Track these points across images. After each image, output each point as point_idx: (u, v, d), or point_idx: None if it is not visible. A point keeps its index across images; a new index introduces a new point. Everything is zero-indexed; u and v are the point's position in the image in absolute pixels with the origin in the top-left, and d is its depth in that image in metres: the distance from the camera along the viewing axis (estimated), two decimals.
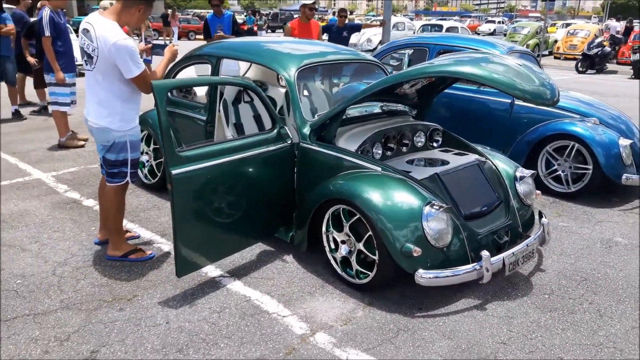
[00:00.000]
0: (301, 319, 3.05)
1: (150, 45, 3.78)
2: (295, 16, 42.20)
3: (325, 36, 9.53)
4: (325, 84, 4.56)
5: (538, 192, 3.96)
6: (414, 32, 21.94)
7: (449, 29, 19.77)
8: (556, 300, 3.31)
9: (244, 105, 4.55)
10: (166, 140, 2.96)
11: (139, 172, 5.11)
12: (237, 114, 4.51)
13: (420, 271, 3.04)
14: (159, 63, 3.59)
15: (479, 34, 38.33)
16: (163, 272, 3.53)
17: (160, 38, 11.46)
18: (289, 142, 3.65)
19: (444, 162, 3.75)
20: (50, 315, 3.03)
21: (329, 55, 4.35)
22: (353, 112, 4.07)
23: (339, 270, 3.45)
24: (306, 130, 3.71)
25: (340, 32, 9.31)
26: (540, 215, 3.78)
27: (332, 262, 3.49)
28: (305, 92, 4.48)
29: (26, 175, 5.53)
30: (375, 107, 4.29)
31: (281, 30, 41.92)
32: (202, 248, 3.25)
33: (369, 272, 3.26)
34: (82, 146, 6.69)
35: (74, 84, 6.59)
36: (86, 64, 3.39)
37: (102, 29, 3.23)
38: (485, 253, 3.11)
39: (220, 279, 3.47)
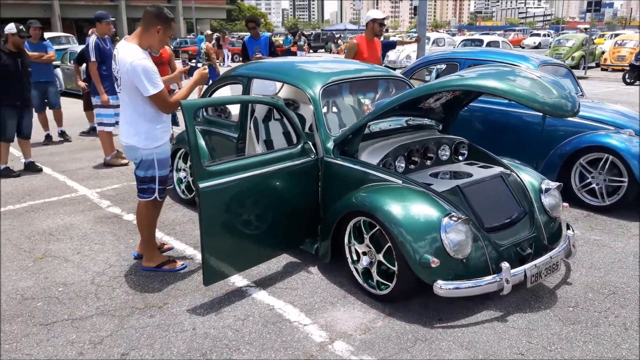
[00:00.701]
0: (321, 327, 3.14)
1: (188, 67, 4.00)
2: (336, 35, 42.32)
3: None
4: (353, 100, 4.67)
5: (565, 204, 3.94)
6: (454, 48, 21.84)
7: (489, 44, 19.58)
8: (580, 313, 3.27)
9: (274, 122, 4.72)
10: (194, 155, 3.14)
11: (177, 187, 5.37)
12: (267, 131, 4.67)
13: (440, 282, 3.07)
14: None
15: (523, 47, 37.75)
16: (193, 282, 3.69)
17: (214, 61, 11.88)
18: (313, 156, 3.78)
19: (468, 175, 3.78)
20: (86, 320, 3.23)
21: (356, 73, 4.47)
22: (378, 126, 4.16)
23: (360, 281, 3.52)
24: (329, 144, 3.83)
25: None
26: (568, 227, 3.75)
27: (354, 273, 3.57)
28: (334, 109, 4.61)
29: (73, 192, 5.87)
30: (401, 122, 4.37)
31: (322, 50, 42.67)
32: (228, 258, 3.39)
33: (389, 283, 3.32)
34: (126, 164, 7.02)
35: (118, 106, 6.94)
36: (117, 87, 3.65)
37: (123, 52, 3.48)
38: (505, 264, 3.12)
39: (246, 289, 3.60)
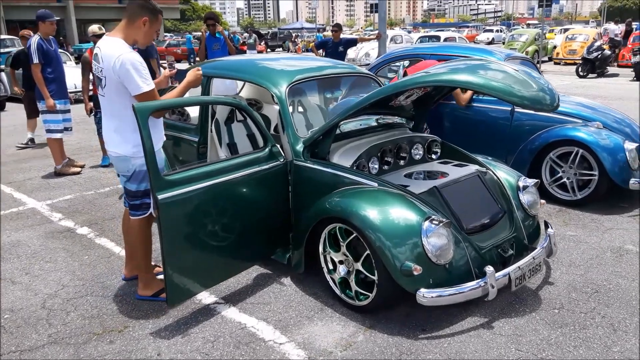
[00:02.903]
0: (299, 345, 2.91)
1: (174, 70, 3.67)
2: (294, 34, 42.13)
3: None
4: (320, 99, 4.46)
5: (543, 201, 3.83)
6: (412, 44, 21.93)
7: (446, 40, 19.73)
8: (566, 315, 3.15)
9: (237, 124, 4.46)
10: (150, 163, 2.85)
11: None
12: (230, 134, 4.41)
13: (422, 290, 2.89)
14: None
15: (477, 43, 38.40)
16: (156, 302, 3.39)
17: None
18: (282, 160, 3.54)
19: (443, 175, 3.63)
20: (37, 351, 2.90)
21: (322, 70, 4.25)
22: (348, 126, 3.96)
23: (338, 291, 3.31)
24: (299, 147, 3.60)
25: (336, 47, 9.28)
26: (547, 225, 3.64)
27: (331, 283, 3.35)
28: (300, 108, 4.39)
29: (20, 205, 5.44)
30: (371, 121, 4.18)
31: (280, 49, 42.25)
32: (194, 275, 3.12)
33: (369, 294, 3.12)
34: (79, 173, 6.60)
35: (67, 111, 6.54)
36: (99, 89, 3.22)
37: (107, 47, 3.08)
38: (489, 269, 2.97)
39: (214, 306, 3.33)
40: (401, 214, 3.04)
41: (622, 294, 3.39)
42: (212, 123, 4.27)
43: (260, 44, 36.18)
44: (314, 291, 3.47)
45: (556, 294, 3.40)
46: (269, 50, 39.09)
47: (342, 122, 3.87)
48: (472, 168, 3.73)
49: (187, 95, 4.56)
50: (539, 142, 5.18)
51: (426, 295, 2.89)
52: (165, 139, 3.43)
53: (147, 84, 3.03)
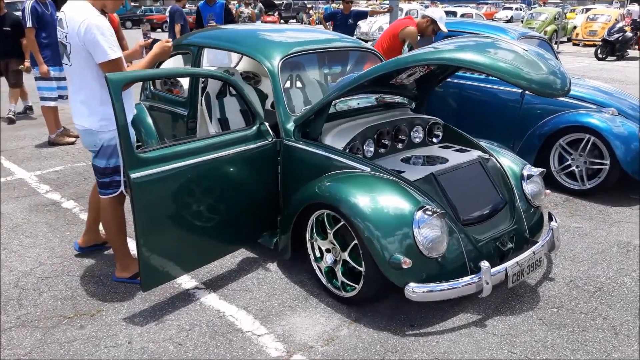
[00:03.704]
0: (278, 338, 2.74)
1: (150, 40, 3.43)
2: (308, 5, 40.94)
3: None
4: (319, 75, 4.21)
5: (548, 191, 3.59)
6: None
7: (463, 16, 19.16)
8: (565, 315, 2.95)
9: (229, 98, 4.24)
10: (123, 139, 2.65)
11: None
12: (222, 108, 4.19)
13: (412, 285, 2.70)
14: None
15: (495, 20, 37.46)
16: (134, 284, 3.23)
17: None
18: (270, 139, 3.33)
19: (443, 160, 3.40)
20: (3, 334, 2.76)
21: (322, 43, 4.00)
22: (344, 105, 3.73)
23: (324, 281, 3.13)
24: (289, 126, 3.39)
25: (345, 19, 8.95)
26: (550, 217, 3.42)
27: (317, 272, 3.17)
28: (298, 84, 4.16)
29: (9, 175, 5.29)
30: (370, 99, 3.94)
31: (294, 21, 41.44)
32: (169, 258, 2.94)
33: (355, 285, 2.94)
34: (73, 143, 6.43)
35: (62, 78, 6.32)
36: (64, 58, 3.00)
37: (72, 10, 2.87)
38: (484, 264, 2.76)
39: (194, 291, 3.17)
40: (393, 203, 2.83)
41: (626, 293, 3.18)
42: (202, 96, 4.05)
43: (273, 15, 35.56)
44: (300, 279, 3.30)
45: (556, 291, 3.20)
46: (282, 21, 38.42)
47: (338, 101, 3.66)
48: (474, 154, 3.50)
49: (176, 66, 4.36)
50: (548, 127, 4.91)
51: (415, 290, 2.70)
52: (135, 112, 3.21)
53: (114, 51, 2.82)
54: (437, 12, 5.65)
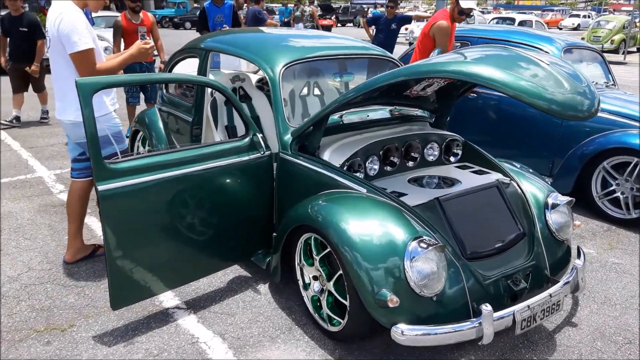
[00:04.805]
0: None
1: (149, 42, 3.31)
2: (366, 8, 40.47)
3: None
4: (327, 84, 3.93)
5: (578, 222, 3.14)
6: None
7: (521, 23, 18.31)
8: None
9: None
10: (92, 148, 2.48)
11: None
12: (230, 115, 3.99)
13: (400, 326, 2.37)
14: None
15: (561, 29, 35.81)
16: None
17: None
18: (262, 152, 3.08)
19: (454, 183, 3.05)
20: None
21: (332, 50, 3.72)
22: (352, 117, 3.44)
23: (311, 310, 2.85)
24: (287, 138, 3.13)
25: (389, 24, 8.63)
26: (579, 253, 3.00)
27: (306, 299, 2.90)
28: (303, 93, 3.89)
29: (30, 173, 5.30)
30: (384, 112, 3.62)
31: (351, 24, 41.12)
32: (144, 277, 2.74)
33: (341, 320, 2.64)
34: None
35: None
36: (48, 52, 3.17)
37: (54, 8, 3.03)
38: (486, 307, 2.40)
39: (173, 311, 2.97)
40: (385, 231, 2.51)
41: None
42: (209, 102, 3.86)
43: (330, 18, 35.35)
44: (289, 305, 3.03)
45: (577, 340, 2.78)
46: (339, 25, 38.21)
47: (344, 113, 3.38)
48: (492, 177, 3.12)
49: (185, 70, 4.20)
50: (592, 148, 4.43)
51: (404, 333, 2.37)
52: (118, 106, 3.32)
53: (83, 43, 2.92)
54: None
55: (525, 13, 30.83)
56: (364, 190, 2.76)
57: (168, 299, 3.07)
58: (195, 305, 3.03)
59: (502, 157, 3.47)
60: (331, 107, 2.91)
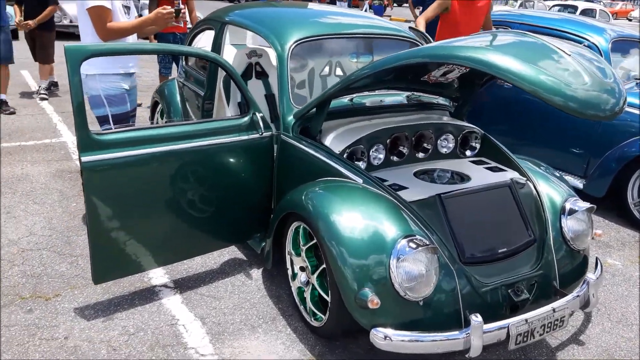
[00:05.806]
0: None
1: (172, 11, 3.22)
2: None
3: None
4: (341, 64, 3.72)
5: (599, 231, 2.86)
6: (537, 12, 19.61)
7: (584, 12, 17.33)
8: None
9: (254, 81, 3.88)
10: (77, 117, 2.41)
11: None
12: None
13: (380, 330, 2.21)
14: None
15: (630, 20, 33.81)
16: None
17: None
18: (261, 133, 2.94)
19: (464, 179, 2.83)
20: None
21: (350, 28, 3.51)
22: (364, 101, 3.24)
23: (297, 301, 2.73)
24: (289, 119, 2.98)
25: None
26: (597, 265, 2.74)
27: (293, 290, 2.77)
28: (313, 73, 3.69)
29: (55, 137, 5.38)
30: (400, 98, 3.41)
31: (406, 5, 39.99)
32: (127, 253, 2.66)
33: (323, 315, 2.51)
34: (139, 105, 6.44)
35: None
36: None
37: None
38: (476, 318, 2.20)
39: (160, 290, 2.90)
40: (375, 226, 2.33)
41: None
42: (222, 77, 3.74)
43: None
44: (278, 293, 2.92)
45: None
46: (395, 4, 37.30)
47: (355, 96, 3.19)
48: (507, 175, 2.87)
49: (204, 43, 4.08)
50: (631, 150, 4.06)
51: (384, 337, 2.21)
52: (134, 71, 3.28)
53: (95, 1, 2.90)
54: None
55: (592, 1, 29.22)
56: (360, 181, 2.59)
57: (158, 276, 3.01)
58: (183, 284, 2.95)
59: (532, 155, 3.23)
60: (334, 88, 2.73)
